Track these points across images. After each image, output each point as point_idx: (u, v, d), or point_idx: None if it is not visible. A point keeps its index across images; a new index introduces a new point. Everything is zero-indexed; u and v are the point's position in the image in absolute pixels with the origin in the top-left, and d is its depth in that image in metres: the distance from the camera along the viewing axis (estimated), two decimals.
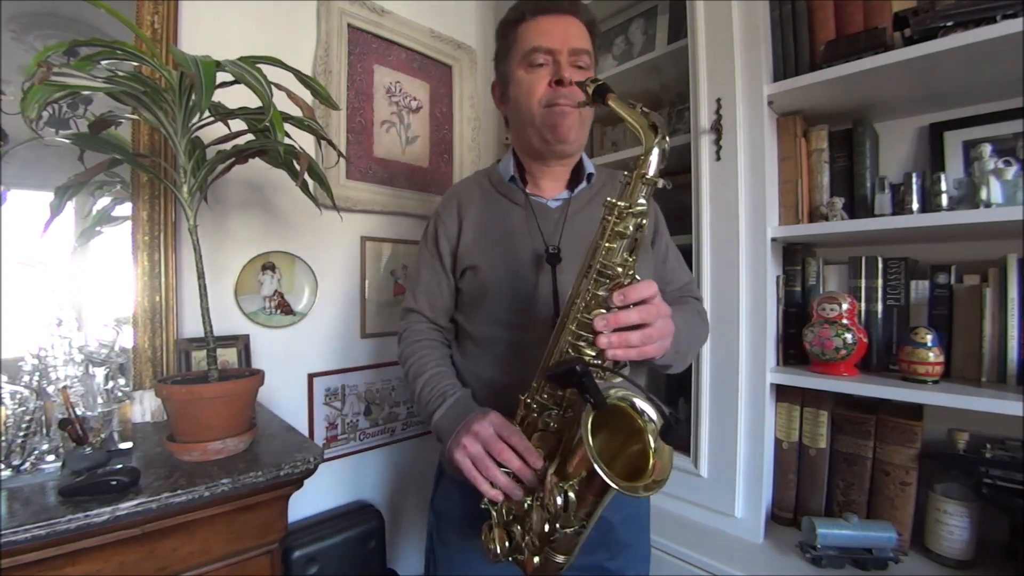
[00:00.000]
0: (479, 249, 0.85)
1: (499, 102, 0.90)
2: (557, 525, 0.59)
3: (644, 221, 0.60)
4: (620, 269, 0.61)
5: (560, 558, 0.62)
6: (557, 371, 0.59)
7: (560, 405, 0.66)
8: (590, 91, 0.67)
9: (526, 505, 0.64)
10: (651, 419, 0.59)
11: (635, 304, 0.59)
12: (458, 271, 0.87)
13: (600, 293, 0.61)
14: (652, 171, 0.59)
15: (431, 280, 0.90)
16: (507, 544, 0.66)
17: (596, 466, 0.52)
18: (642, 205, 0.59)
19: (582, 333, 0.62)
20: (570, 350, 0.63)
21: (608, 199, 0.61)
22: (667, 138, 0.59)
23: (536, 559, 0.63)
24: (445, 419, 0.75)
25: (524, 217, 0.84)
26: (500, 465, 0.65)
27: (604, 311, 0.60)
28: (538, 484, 0.63)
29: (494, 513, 0.69)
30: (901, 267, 1.03)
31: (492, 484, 0.65)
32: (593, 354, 0.61)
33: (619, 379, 0.63)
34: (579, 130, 0.82)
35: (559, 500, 0.57)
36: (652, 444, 0.58)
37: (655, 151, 0.58)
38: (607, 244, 0.61)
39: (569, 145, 0.83)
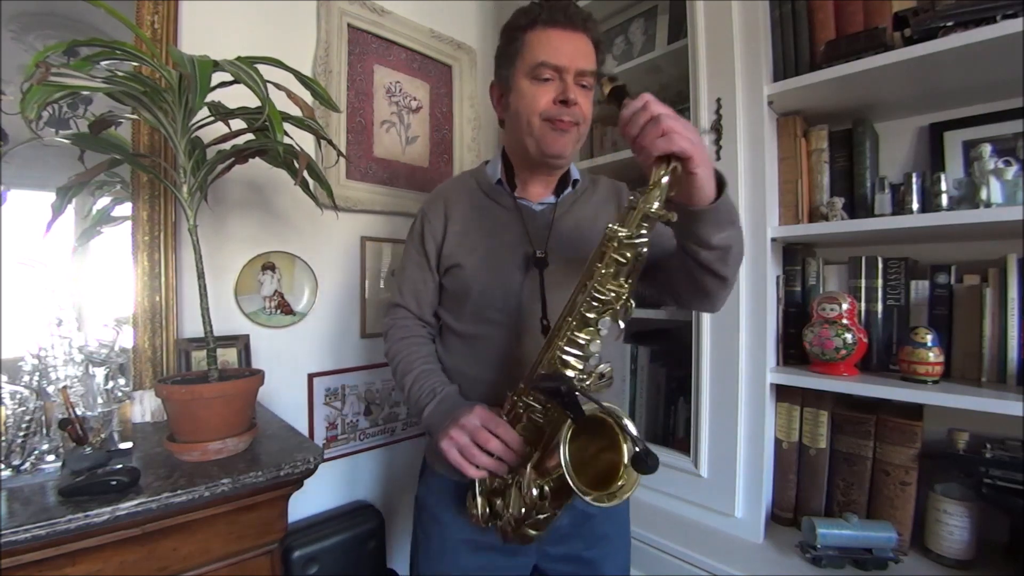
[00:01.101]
0: (464, 248, 0.86)
1: (497, 104, 0.90)
2: (533, 512, 0.66)
3: (644, 251, 0.61)
4: (613, 295, 0.62)
5: (533, 532, 0.70)
6: (544, 385, 0.63)
7: (545, 407, 0.69)
8: (606, 90, 0.67)
9: (508, 482, 0.70)
10: (632, 438, 0.61)
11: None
12: (442, 269, 0.89)
13: (590, 316, 0.63)
14: (656, 205, 0.59)
15: (417, 276, 0.92)
16: (487, 511, 0.73)
17: (568, 477, 0.57)
18: (643, 237, 0.60)
19: (570, 350, 0.65)
20: (558, 364, 0.65)
21: (610, 226, 0.62)
22: (678, 168, 0.58)
23: (510, 531, 0.71)
24: (435, 415, 0.78)
25: (512, 219, 0.86)
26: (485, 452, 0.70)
27: (593, 330, 0.64)
28: (520, 466, 0.68)
29: (477, 483, 0.74)
30: (901, 267, 1.03)
31: (477, 467, 0.70)
32: (580, 368, 0.65)
33: (604, 400, 0.65)
34: (574, 146, 0.84)
35: (535, 492, 0.64)
36: (625, 460, 0.62)
37: (664, 180, 0.58)
38: (603, 269, 0.62)
39: (564, 160, 0.85)
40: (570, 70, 0.78)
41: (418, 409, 0.82)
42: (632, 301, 0.64)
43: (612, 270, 0.62)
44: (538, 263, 0.81)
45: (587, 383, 0.64)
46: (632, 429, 0.61)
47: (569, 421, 0.60)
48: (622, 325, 0.65)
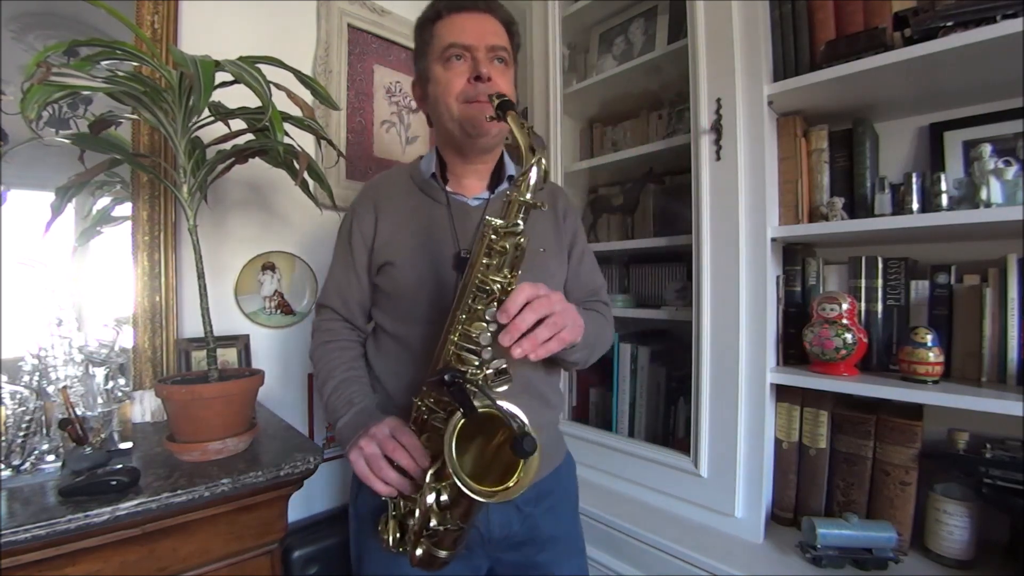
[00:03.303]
0: (396, 246, 0.84)
1: (419, 100, 0.89)
2: (433, 521, 0.63)
3: (523, 240, 0.62)
4: (499, 285, 0.63)
5: (443, 553, 0.66)
6: (431, 379, 0.63)
7: (445, 409, 0.68)
8: (495, 105, 0.69)
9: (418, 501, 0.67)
10: (513, 424, 0.59)
11: (521, 310, 0.61)
12: (374, 268, 0.86)
13: (479, 307, 0.64)
14: (529, 194, 0.61)
15: (343, 277, 0.89)
16: (398, 535, 0.71)
17: (452, 471, 0.56)
18: (518, 225, 0.62)
19: (464, 344, 0.65)
20: (453, 360, 0.65)
21: (487, 218, 0.63)
22: (543, 160, 0.61)
23: (419, 551, 0.67)
24: (348, 427, 0.77)
25: (444, 215, 0.84)
26: (394, 465, 0.68)
27: (485, 324, 0.63)
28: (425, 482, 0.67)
29: (391, 505, 0.73)
30: (901, 267, 1.03)
31: (385, 483, 0.68)
32: (476, 364, 0.64)
33: (501, 388, 0.64)
34: (499, 126, 0.79)
35: (430, 498, 0.62)
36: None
37: (533, 172, 0.61)
38: (486, 260, 0.63)
39: (491, 138, 0.82)
40: (479, 47, 0.78)
41: (334, 419, 0.80)
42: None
43: (495, 261, 0.63)
44: (460, 264, 0.79)
45: (479, 379, 0.64)
46: (521, 416, 0.60)
47: (458, 415, 0.59)
48: None
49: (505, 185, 0.87)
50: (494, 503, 0.59)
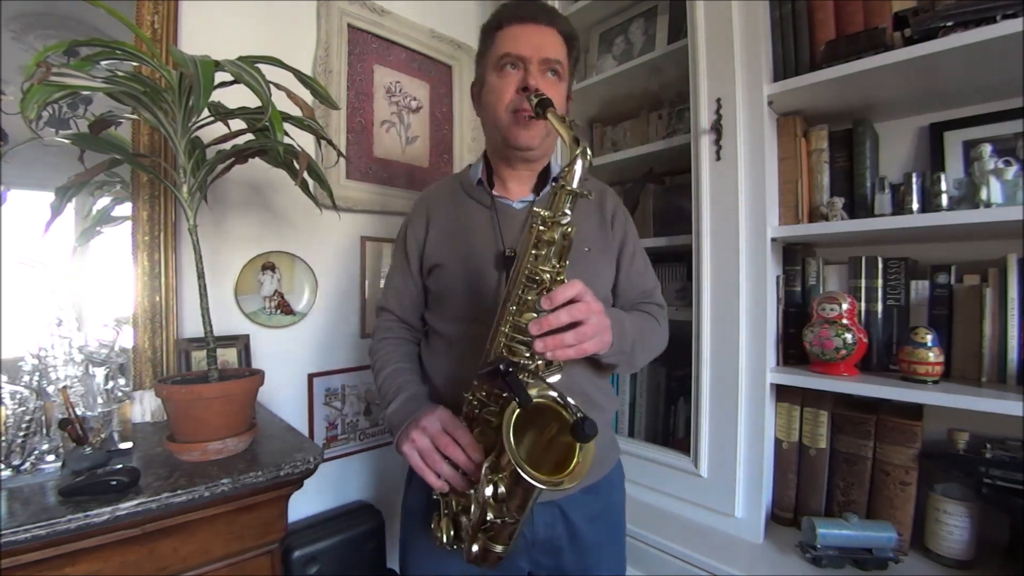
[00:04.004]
0: (444, 248, 0.88)
1: (474, 100, 0.93)
2: (490, 515, 0.63)
3: (570, 230, 0.64)
4: (548, 275, 0.64)
5: (499, 548, 0.66)
6: (485, 371, 0.63)
7: (497, 402, 0.69)
8: (534, 103, 0.71)
9: (470, 496, 0.68)
10: (570, 409, 0.61)
11: (564, 305, 0.62)
12: (425, 270, 0.90)
13: (529, 297, 0.65)
14: (576, 183, 0.63)
15: (399, 281, 0.95)
16: (452, 533, 0.72)
17: (512, 459, 0.56)
18: (566, 215, 0.63)
19: (515, 335, 0.66)
20: (504, 351, 0.67)
21: (534, 209, 0.65)
22: (588, 150, 0.64)
23: (475, 547, 0.66)
24: (397, 413, 0.79)
25: (488, 218, 0.86)
26: (446, 458, 0.69)
27: (535, 315, 0.63)
28: (479, 476, 0.66)
29: (442, 503, 0.74)
30: (901, 267, 1.03)
31: (438, 476, 0.69)
32: (527, 355, 0.65)
33: (553, 378, 0.66)
34: (543, 138, 0.84)
35: (488, 491, 0.61)
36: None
37: (578, 163, 0.63)
38: (535, 251, 0.65)
39: (533, 151, 0.85)
40: (533, 59, 0.80)
41: (384, 404, 0.83)
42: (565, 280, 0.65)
43: (544, 252, 0.64)
44: (506, 262, 0.81)
45: (531, 367, 0.65)
46: (571, 401, 0.61)
47: (514, 404, 0.60)
48: None
49: (550, 188, 0.88)
50: (549, 492, 0.58)
